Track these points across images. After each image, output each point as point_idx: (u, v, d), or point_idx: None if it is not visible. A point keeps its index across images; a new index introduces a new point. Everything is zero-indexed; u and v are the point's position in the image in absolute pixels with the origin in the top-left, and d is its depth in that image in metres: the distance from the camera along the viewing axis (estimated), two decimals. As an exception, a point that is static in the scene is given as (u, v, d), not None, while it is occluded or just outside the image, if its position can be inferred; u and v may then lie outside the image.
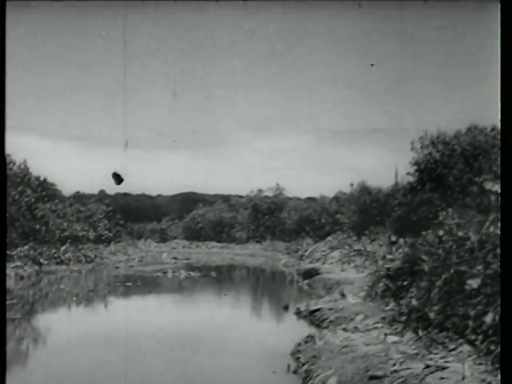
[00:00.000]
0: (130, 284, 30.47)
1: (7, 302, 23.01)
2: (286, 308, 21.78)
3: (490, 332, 11.17)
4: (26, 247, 36.63)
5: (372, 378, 10.84)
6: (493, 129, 27.03)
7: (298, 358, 13.37)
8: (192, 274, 36.09)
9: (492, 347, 10.81)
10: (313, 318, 18.96)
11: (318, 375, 11.72)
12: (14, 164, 41.83)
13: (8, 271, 31.69)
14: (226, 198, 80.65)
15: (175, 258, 52.52)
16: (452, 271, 13.69)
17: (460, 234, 14.56)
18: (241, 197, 78.04)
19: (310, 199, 71.04)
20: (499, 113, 9.47)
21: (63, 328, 18.78)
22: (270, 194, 72.28)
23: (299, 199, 72.81)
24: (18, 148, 41.24)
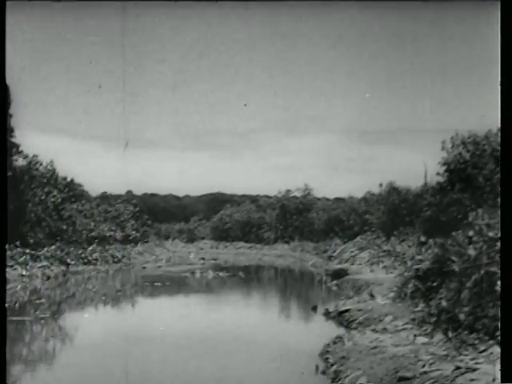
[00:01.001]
0: (157, 284, 30.50)
1: (36, 302, 23.20)
2: (315, 309, 21.70)
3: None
4: (52, 247, 36.77)
5: (401, 379, 10.78)
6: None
7: (327, 358, 13.31)
8: (220, 274, 36.08)
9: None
10: (341, 318, 18.89)
11: (346, 376, 11.67)
12: (41, 164, 42.03)
13: (35, 271, 31.87)
14: (253, 199, 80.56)
15: (203, 259, 52.55)
16: (482, 272, 13.57)
17: (490, 234, 14.43)
18: (269, 197, 77.88)
19: (339, 199, 70.82)
20: (499, 113, 9.43)
21: (90, 328, 18.83)
22: (298, 194, 72.06)
23: (328, 199, 72.58)
24: (44, 149, 41.44)
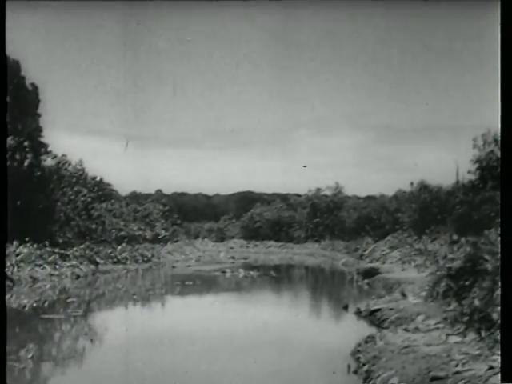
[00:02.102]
0: (187, 283, 30.51)
1: (67, 300, 23.29)
2: (346, 308, 21.61)
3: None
4: (82, 247, 36.90)
5: (434, 378, 10.65)
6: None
7: (359, 358, 13.21)
8: (251, 273, 36.03)
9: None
10: (373, 317, 18.78)
11: (378, 376, 11.57)
12: (70, 164, 42.23)
13: (64, 270, 31.98)
14: (284, 197, 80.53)
15: (233, 258, 52.50)
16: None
17: (524, 232, 14.22)
18: (299, 195, 77.88)
19: (370, 198, 70.62)
20: (499, 113, 9.34)
21: (120, 326, 18.83)
22: (328, 192, 72.03)
23: (358, 198, 72.42)
24: (73, 148, 41.63)
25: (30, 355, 12.96)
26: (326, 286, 34.43)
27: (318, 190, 72.69)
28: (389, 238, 47.60)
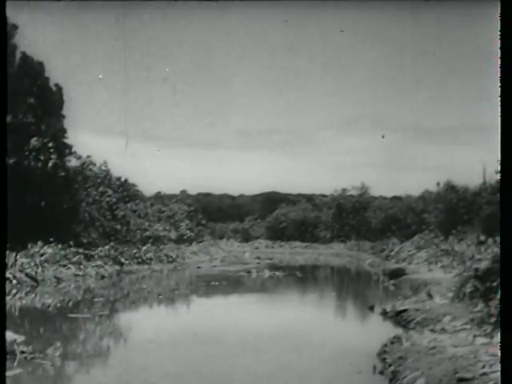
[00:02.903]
0: (212, 284, 30.49)
1: (94, 300, 23.32)
2: (372, 308, 21.48)
3: None
4: (106, 247, 36.98)
5: (461, 380, 10.49)
6: None
7: (385, 358, 13.08)
8: (276, 273, 35.96)
9: None
10: (399, 318, 18.63)
11: (405, 376, 11.43)
12: (95, 165, 42.36)
13: (88, 270, 32.07)
14: (309, 198, 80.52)
15: (258, 258, 52.45)
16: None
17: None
18: (324, 196, 77.85)
19: (396, 198, 70.41)
20: (499, 113, 9.20)
21: (145, 326, 18.81)
22: (354, 192, 71.90)
23: (384, 198, 72.22)
24: (98, 149, 41.75)
25: (57, 353, 12.96)
26: (351, 286, 34.35)
27: (344, 190, 72.58)
28: (415, 238, 47.37)
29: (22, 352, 12.71)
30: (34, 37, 36.31)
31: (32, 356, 12.62)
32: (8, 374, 11.38)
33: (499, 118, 9.29)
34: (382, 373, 12.31)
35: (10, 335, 13.10)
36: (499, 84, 9.20)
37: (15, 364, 12.27)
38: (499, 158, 9.61)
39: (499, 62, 9.09)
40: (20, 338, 13.16)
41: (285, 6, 27.55)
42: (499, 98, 9.18)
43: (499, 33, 9.10)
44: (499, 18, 9.09)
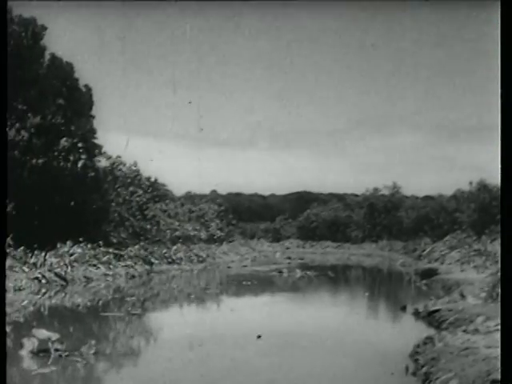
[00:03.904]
0: (243, 283, 30.42)
1: (122, 300, 23.30)
2: (404, 309, 21.27)
3: None
4: (136, 247, 37.06)
5: (494, 382, 10.27)
6: None
7: (417, 359, 12.86)
8: (308, 273, 35.86)
9: None
10: (431, 319, 18.39)
11: (437, 378, 11.22)
12: (125, 165, 42.50)
13: (118, 270, 32.14)
14: (340, 197, 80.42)
15: (289, 258, 52.40)
16: None
17: None
18: (356, 195, 77.71)
19: (428, 197, 70.11)
20: (499, 113, 9.09)
21: (175, 326, 18.73)
22: (386, 192, 71.70)
23: (417, 197, 71.95)
24: (128, 150, 41.90)
25: (92, 351, 12.92)
26: (383, 286, 34.17)
27: (376, 189, 72.44)
28: (447, 238, 47.10)
29: (57, 350, 12.68)
30: (65, 37, 36.48)
31: (66, 354, 12.59)
32: (43, 371, 11.64)
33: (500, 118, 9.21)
34: (414, 374, 12.12)
35: (44, 333, 13.20)
36: (499, 84, 9.12)
37: (50, 362, 12.25)
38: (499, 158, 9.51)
39: (499, 62, 9.02)
40: (55, 336, 13.07)
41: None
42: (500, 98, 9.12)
43: (499, 33, 9.02)
44: (499, 18, 9.00)
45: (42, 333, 13.19)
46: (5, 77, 8.96)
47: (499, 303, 16.92)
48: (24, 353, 12.63)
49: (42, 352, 12.57)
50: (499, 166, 8.85)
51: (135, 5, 32.71)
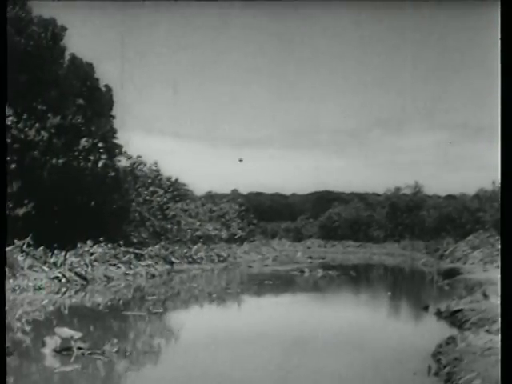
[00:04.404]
0: (264, 283, 30.35)
1: (143, 299, 23.30)
2: (426, 308, 21.10)
3: None
4: (157, 246, 37.12)
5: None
6: None
7: (439, 359, 12.71)
8: (329, 272, 35.75)
9: None
10: (454, 319, 18.22)
11: (460, 378, 11.07)
12: (145, 165, 42.61)
13: (139, 269, 32.18)
14: (362, 197, 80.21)
15: (310, 258, 52.33)
16: None
17: None
18: (378, 195, 77.56)
19: (450, 197, 69.76)
20: (499, 113, 9.15)
21: (195, 326, 18.66)
22: (408, 191, 71.46)
23: (439, 197, 71.64)
24: (149, 149, 42.02)
25: (114, 349, 12.92)
26: (405, 286, 34.00)
27: (398, 189, 72.24)
28: (470, 237, 46.90)
29: (79, 348, 12.71)
30: (85, 37, 36.57)
31: (89, 352, 12.60)
32: (65, 369, 11.63)
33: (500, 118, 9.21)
34: (436, 374, 11.98)
35: (66, 331, 13.26)
36: (499, 84, 9.14)
37: (72, 360, 12.26)
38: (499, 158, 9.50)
39: (499, 62, 8.95)
40: (77, 335, 13.14)
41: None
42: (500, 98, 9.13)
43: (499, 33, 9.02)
44: (499, 18, 9.00)
45: (65, 331, 13.24)
46: (4, 76, 8.97)
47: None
48: (47, 351, 12.64)
49: (64, 350, 12.59)
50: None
51: (156, 5, 32.72)
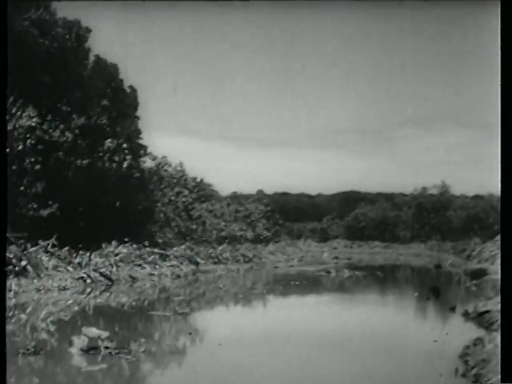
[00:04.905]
0: (290, 283, 30.25)
1: (170, 299, 23.31)
2: (453, 309, 20.88)
3: None
4: (182, 247, 37.18)
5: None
6: None
7: (467, 361, 12.56)
8: (356, 273, 35.61)
9: None
10: (481, 320, 18.03)
11: (488, 380, 10.92)
12: (170, 166, 42.71)
13: (164, 270, 32.24)
14: (388, 197, 79.85)
15: (336, 258, 52.17)
16: None
17: None
18: (404, 195, 77.17)
19: (478, 197, 69.26)
20: (499, 113, 9.23)
21: (221, 326, 18.59)
22: (435, 191, 71.10)
23: (466, 197, 71.14)
24: (174, 150, 42.18)
25: (142, 349, 13.08)
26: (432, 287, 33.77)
27: (424, 188, 71.89)
28: (497, 238, 46.42)
29: (106, 348, 12.80)
30: (110, 39, 36.64)
31: (117, 351, 12.68)
32: (92, 368, 11.75)
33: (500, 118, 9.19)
34: (464, 375, 11.84)
35: (94, 331, 13.42)
36: (499, 84, 9.20)
37: (99, 359, 12.34)
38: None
39: (499, 62, 8.98)
40: (104, 334, 13.27)
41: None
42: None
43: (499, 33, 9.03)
44: (499, 18, 9.02)
45: (92, 331, 13.39)
46: (5, 76, 8.99)
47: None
48: (74, 350, 12.74)
49: (91, 350, 12.70)
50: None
51: (181, 5, 32.70)
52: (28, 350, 12.64)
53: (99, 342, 12.89)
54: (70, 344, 12.91)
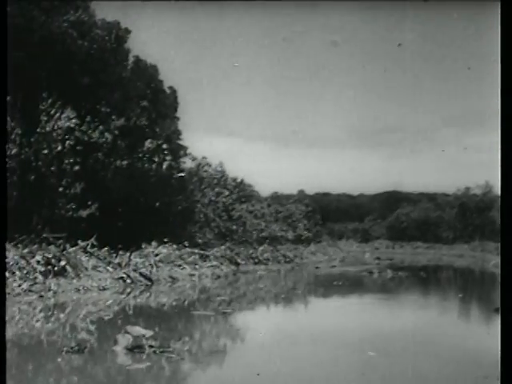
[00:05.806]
0: (331, 284, 30.08)
1: (211, 299, 23.23)
2: (497, 310, 20.49)
3: None
4: (222, 247, 37.18)
5: None
6: None
7: (512, 363, 12.22)
8: (399, 273, 35.32)
9: None
10: (526, 319, 17.59)
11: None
12: (210, 166, 42.75)
13: (204, 270, 32.28)
14: (431, 197, 79.20)
15: (378, 259, 51.86)
16: None
17: None
18: (447, 195, 76.48)
19: (523, 197, 68.22)
20: (499, 113, 9.28)
21: (262, 327, 18.43)
22: (478, 191, 70.36)
23: (510, 197, 70.11)
24: (214, 151, 42.16)
25: (185, 348, 13.24)
26: (475, 288, 33.38)
27: (468, 189, 71.24)
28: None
29: (151, 346, 12.91)
30: (149, 39, 36.68)
31: (161, 350, 12.76)
32: (138, 366, 11.79)
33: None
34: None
35: (138, 330, 13.64)
36: (499, 84, 9.28)
37: (144, 357, 12.41)
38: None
39: (499, 62, 9.03)
40: (148, 333, 13.45)
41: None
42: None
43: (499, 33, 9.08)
44: (499, 18, 9.07)
45: (136, 330, 13.60)
46: (5, 76, 8.98)
47: None
48: (118, 349, 12.87)
49: (136, 348, 12.82)
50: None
51: (219, 5, 32.65)
52: (72, 348, 12.79)
53: (143, 341, 13.04)
54: (115, 342, 13.06)
